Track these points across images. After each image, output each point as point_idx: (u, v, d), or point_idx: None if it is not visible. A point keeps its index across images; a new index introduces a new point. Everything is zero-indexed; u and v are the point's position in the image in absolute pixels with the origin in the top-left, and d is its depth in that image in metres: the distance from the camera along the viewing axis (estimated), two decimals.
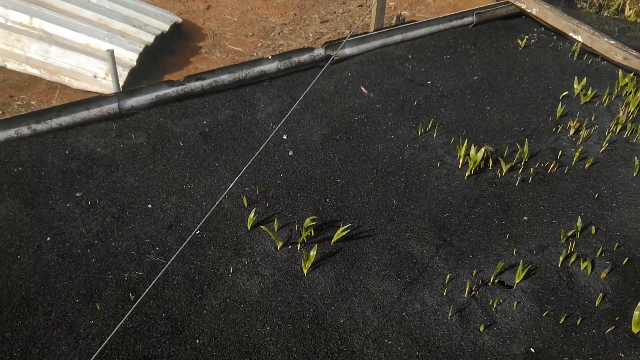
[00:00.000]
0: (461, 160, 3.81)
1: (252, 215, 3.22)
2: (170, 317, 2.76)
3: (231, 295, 2.89)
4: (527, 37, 5.68)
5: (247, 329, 2.73)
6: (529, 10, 5.82)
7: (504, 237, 3.31)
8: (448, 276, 3.02)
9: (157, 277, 2.30)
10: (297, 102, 4.12)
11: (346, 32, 7.43)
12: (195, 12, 7.59)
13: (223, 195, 3.09)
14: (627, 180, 3.82)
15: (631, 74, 4.95)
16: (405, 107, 4.49)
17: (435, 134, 4.15)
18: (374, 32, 5.16)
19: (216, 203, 3.26)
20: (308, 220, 3.15)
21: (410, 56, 5.19)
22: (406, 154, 3.95)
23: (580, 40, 5.42)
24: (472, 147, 3.74)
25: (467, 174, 3.74)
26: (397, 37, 5.27)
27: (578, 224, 3.27)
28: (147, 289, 2.52)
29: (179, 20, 6.57)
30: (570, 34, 5.50)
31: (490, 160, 3.82)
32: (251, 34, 7.38)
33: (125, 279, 2.92)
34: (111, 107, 4.00)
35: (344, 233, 3.14)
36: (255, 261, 3.07)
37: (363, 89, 4.69)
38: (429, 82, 4.86)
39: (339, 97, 4.56)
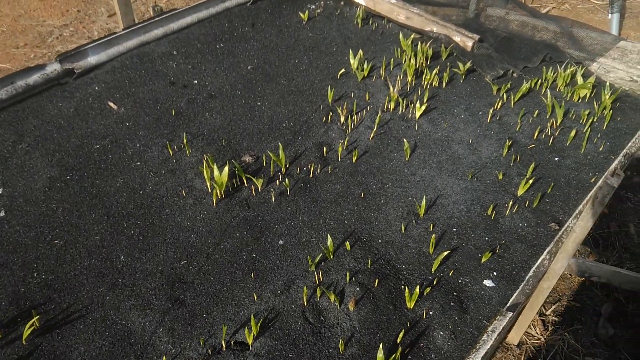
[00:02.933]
0: (208, 184, 3.11)
1: None
2: None
3: None
4: (312, 7, 5.00)
5: None
6: None
7: (250, 276, 2.68)
8: (164, 358, 2.34)
9: None
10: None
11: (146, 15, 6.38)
12: None
13: None
14: (398, 167, 3.30)
15: (413, 35, 4.43)
16: (162, 119, 3.70)
17: (189, 151, 3.41)
18: (124, 31, 4.26)
19: None
20: None
21: (175, 52, 4.36)
22: (149, 185, 3.19)
23: (363, 3, 4.82)
24: (215, 166, 3.04)
25: (215, 200, 3.05)
26: (158, 32, 4.41)
27: (329, 242, 2.69)
28: None
29: None
30: None
31: (243, 178, 3.15)
32: (23, 44, 6.17)
33: None
34: None
35: (29, 330, 2.36)
36: None
37: (111, 104, 3.83)
38: (195, 82, 4.08)
39: (80, 120, 3.67)
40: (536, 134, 3.47)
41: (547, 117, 3.66)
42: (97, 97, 3.87)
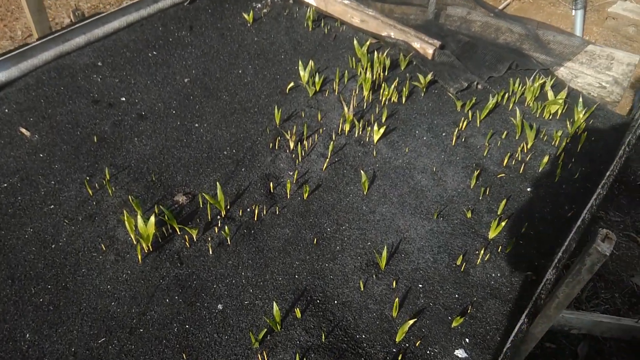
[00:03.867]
0: (132, 236, 2.60)
1: None
2: None
3: None
4: (258, 6, 4.45)
5: None
6: None
7: (182, 356, 2.21)
8: None
9: None
10: None
11: (66, 21, 5.68)
12: None
13: None
14: (355, 203, 2.87)
15: (369, 42, 3.97)
16: (82, 147, 3.14)
17: (111, 190, 2.87)
18: (39, 42, 3.63)
19: None
20: None
21: (100, 63, 3.76)
22: (64, 236, 2.65)
23: (313, 3, 4.31)
24: (140, 214, 2.53)
25: (140, 256, 2.55)
26: (79, 40, 3.79)
27: (275, 311, 2.25)
28: None
29: None
30: None
31: (176, 226, 2.66)
32: None
33: None
34: None
35: None
36: None
37: (23, 130, 3.24)
38: (123, 99, 3.51)
39: None
40: (506, 160, 3.10)
41: (517, 137, 3.29)
42: (7, 122, 3.27)
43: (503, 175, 3.02)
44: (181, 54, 3.94)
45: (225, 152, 3.14)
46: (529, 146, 3.20)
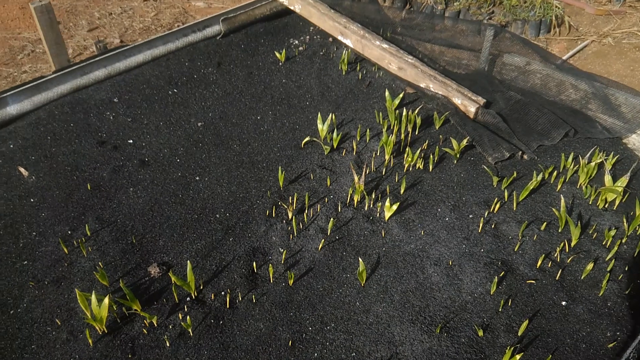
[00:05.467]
0: (88, 313, 2.29)
1: None
2: None
3: None
4: (296, 42, 4.09)
5: None
6: (292, 7, 4.20)
7: None
8: None
9: None
10: None
11: (116, 41, 5.61)
12: None
13: None
14: (349, 297, 2.41)
15: (405, 92, 3.48)
16: (74, 195, 2.90)
17: (85, 252, 2.59)
18: (55, 74, 3.45)
19: None
20: None
21: (116, 99, 3.53)
22: (25, 301, 2.40)
23: (350, 44, 3.87)
24: (94, 296, 2.21)
25: (91, 340, 2.23)
26: (99, 74, 3.59)
27: None
28: None
29: None
30: (339, 38, 3.94)
31: (137, 307, 2.32)
32: None
33: None
34: None
35: None
36: None
37: (22, 169, 3.05)
38: (130, 141, 3.26)
39: None
40: (540, 260, 2.51)
41: (559, 231, 2.68)
42: (9, 159, 3.10)
43: (534, 281, 2.44)
44: (202, 94, 3.64)
45: (217, 216, 2.77)
46: (572, 245, 2.58)
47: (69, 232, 2.70)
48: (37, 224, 2.74)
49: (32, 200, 2.88)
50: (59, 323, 2.29)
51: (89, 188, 2.93)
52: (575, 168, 2.95)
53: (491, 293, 2.38)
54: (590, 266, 2.42)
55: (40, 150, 3.17)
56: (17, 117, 3.32)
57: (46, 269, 2.51)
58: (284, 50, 3.94)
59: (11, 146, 3.18)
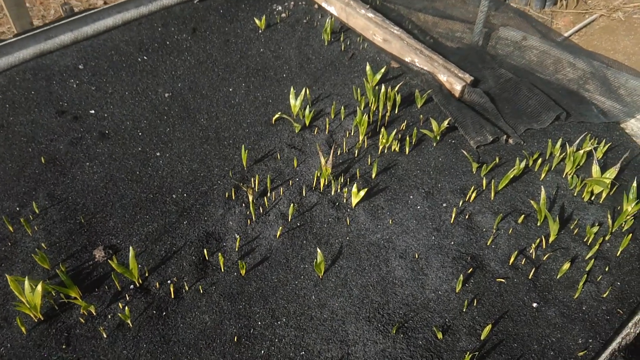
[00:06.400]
0: (24, 300, 2.13)
1: None
2: None
3: None
4: (279, 8, 3.81)
5: None
6: None
7: None
8: None
9: None
10: None
11: (99, 2, 5.35)
12: None
13: None
14: (305, 290, 2.23)
15: (387, 66, 3.23)
16: (27, 168, 2.72)
17: (30, 231, 2.43)
18: (17, 38, 3.22)
19: None
20: None
21: (81, 66, 3.31)
22: None
23: (334, 12, 3.60)
24: (27, 282, 2.05)
25: (24, 328, 2.08)
26: (65, 38, 3.35)
27: None
28: None
29: None
30: (323, 5, 3.66)
31: (76, 294, 2.16)
32: None
33: None
34: None
35: None
36: None
37: None
38: (92, 112, 3.05)
39: None
40: (513, 257, 2.30)
41: (538, 224, 2.46)
42: None
43: (504, 280, 2.24)
44: (173, 62, 3.40)
45: (174, 196, 2.58)
46: (550, 241, 2.37)
47: (17, 208, 2.53)
48: None
49: None
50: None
51: (43, 161, 2.74)
52: (562, 155, 2.71)
53: (457, 291, 2.19)
54: (567, 265, 2.21)
55: None
56: None
57: None
58: (264, 16, 3.67)
59: None
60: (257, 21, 3.67)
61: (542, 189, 2.44)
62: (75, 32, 3.37)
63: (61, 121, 2.98)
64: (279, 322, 2.12)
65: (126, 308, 2.05)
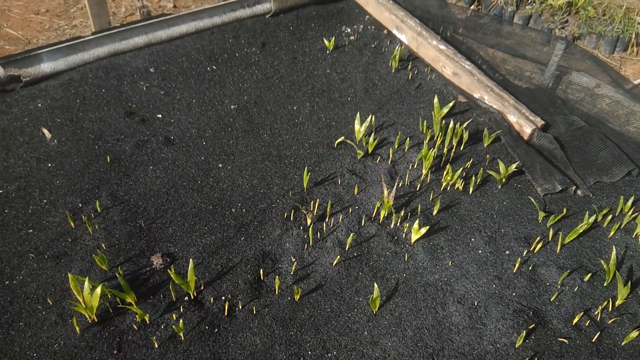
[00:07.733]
0: (80, 299, 2.15)
1: None
2: None
3: None
4: (346, 32, 3.81)
5: None
6: None
7: None
8: None
9: None
10: None
11: (169, 5, 5.45)
12: None
13: None
14: (357, 325, 2.18)
15: (455, 100, 3.17)
16: (92, 165, 2.77)
17: (91, 229, 2.46)
18: (93, 36, 3.31)
19: None
20: None
21: (152, 69, 3.37)
22: (22, 273, 2.29)
23: (405, 41, 3.57)
24: (87, 283, 2.06)
25: (79, 328, 2.09)
26: (139, 40, 3.42)
27: None
28: None
29: None
30: (394, 32, 3.63)
31: (131, 300, 2.16)
32: (45, 10, 5.41)
33: None
34: None
35: None
36: None
37: (45, 131, 2.94)
38: (159, 116, 3.09)
39: (0, 149, 2.82)
40: (578, 317, 2.20)
41: (605, 284, 2.35)
42: (35, 118, 2.99)
43: (566, 340, 2.13)
44: (241, 74, 3.42)
45: (233, 210, 2.58)
46: (617, 304, 2.26)
47: (80, 205, 2.56)
48: (49, 192, 2.61)
49: (49, 165, 2.76)
50: (50, 303, 2.16)
51: (108, 160, 2.78)
52: (633, 215, 2.59)
53: (516, 346, 2.10)
54: (635, 334, 2.09)
55: (67, 114, 3.03)
56: (50, 75, 3.20)
57: (49, 242, 2.39)
58: (333, 37, 3.67)
59: (39, 105, 3.07)
60: (325, 41, 3.67)
61: (614, 249, 2.33)
62: (149, 35, 3.43)
63: (129, 122, 3.02)
64: (329, 355, 2.07)
65: (180, 320, 2.04)
